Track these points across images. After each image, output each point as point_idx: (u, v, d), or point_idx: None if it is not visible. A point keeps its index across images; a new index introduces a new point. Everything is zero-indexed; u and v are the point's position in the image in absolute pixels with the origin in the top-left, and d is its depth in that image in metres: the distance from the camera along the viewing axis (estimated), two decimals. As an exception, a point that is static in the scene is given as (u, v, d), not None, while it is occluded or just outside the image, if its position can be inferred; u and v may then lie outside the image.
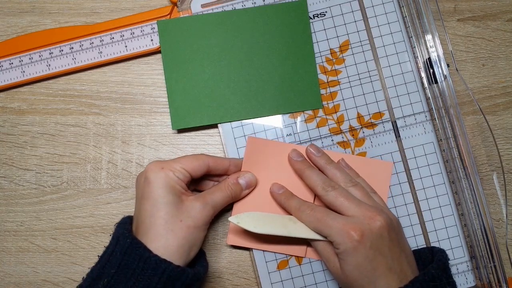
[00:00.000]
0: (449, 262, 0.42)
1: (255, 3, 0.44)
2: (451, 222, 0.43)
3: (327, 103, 0.44)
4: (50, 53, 0.44)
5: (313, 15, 0.44)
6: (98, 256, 0.36)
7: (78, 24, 0.46)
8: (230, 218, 0.39)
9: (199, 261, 0.38)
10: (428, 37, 0.42)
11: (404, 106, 0.44)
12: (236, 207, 0.42)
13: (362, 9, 0.44)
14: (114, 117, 0.45)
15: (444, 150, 0.43)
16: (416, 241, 0.43)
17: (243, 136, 0.43)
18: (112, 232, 0.37)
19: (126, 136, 0.45)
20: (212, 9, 0.44)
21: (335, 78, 0.44)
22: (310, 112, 0.44)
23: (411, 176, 0.43)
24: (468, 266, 0.43)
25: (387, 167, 0.43)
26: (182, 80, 0.43)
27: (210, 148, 0.45)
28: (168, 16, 0.44)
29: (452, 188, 0.43)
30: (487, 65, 0.46)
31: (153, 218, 0.35)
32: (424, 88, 0.44)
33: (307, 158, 0.42)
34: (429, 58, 0.42)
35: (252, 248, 0.42)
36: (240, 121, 0.43)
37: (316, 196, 0.41)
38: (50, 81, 0.45)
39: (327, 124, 0.44)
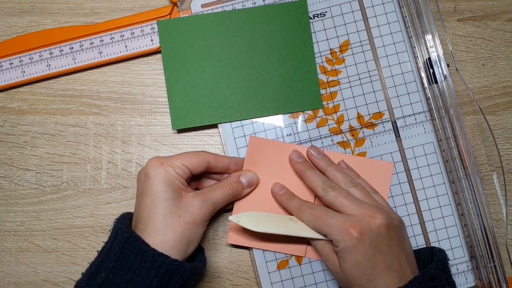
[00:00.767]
0: (449, 262, 0.42)
1: (255, 3, 0.44)
2: (451, 222, 0.43)
3: (327, 103, 0.44)
4: (50, 53, 0.44)
5: (313, 15, 0.44)
6: (97, 251, 0.36)
7: (78, 24, 0.46)
8: (230, 217, 0.39)
9: (197, 256, 0.39)
10: (428, 37, 0.42)
11: (404, 106, 0.44)
12: (237, 206, 0.42)
13: (362, 9, 0.44)
14: (114, 117, 0.45)
15: (444, 150, 0.43)
16: (416, 241, 0.43)
17: (243, 136, 0.43)
18: (111, 228, 0.37)
19: (126, 136, 0.45)
20: (212, 9, 0.44)
21: (335, 78, 0.44)
22: (310, 112, 0.44)
23: (411, 176, 0.43)
24: (468, 266, 0.43)
25: (387, 168, 0.43)
26: (182, 80, 0.43)
27: (210, 148, 0.45)
28: (168, 16, 0.44)
29: (452, 188, 0.43)
30: (487, 65, 0.46)
31: (152, 213, 0.36)
32: (424, 88, 0.44)
33: (307, 160, 0.42)
34: (429, 58, 0.42)
35: (252, 248, 0.42)
36: (240, 121, 0.43)
37: (316, 196, 0.42)
38: (50, 81, 0.45)
39: (327, 124, 0.44)
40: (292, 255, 0.42)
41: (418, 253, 0.40)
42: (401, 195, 0.43)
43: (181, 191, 0.37)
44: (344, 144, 0.43)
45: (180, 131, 0.45)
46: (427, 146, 0.43)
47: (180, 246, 0.35)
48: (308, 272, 0.42)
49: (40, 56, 0.44)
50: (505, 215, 0.44)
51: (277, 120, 0.44)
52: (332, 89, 0.44)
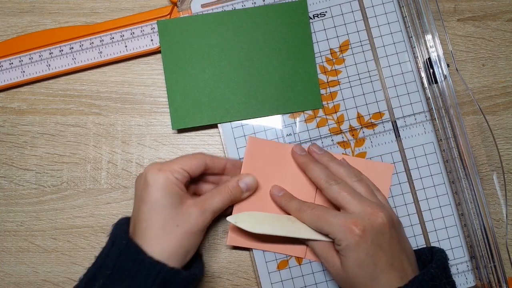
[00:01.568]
0: (449, 262, 0.42)
1: (255, 3, 0.44)
2: (451, 222, 0.43)
3: (327, 103, 0.44)
4: (50, 53, 0.44)
5: (313, 15, 0.44)
6: (95, 257, 0.36)
7: (78, 24, 0.46)
8: (228, 218, 0.39)
9: (195, 262, 0.38)
10: (428, 37, 0.42)
11: (404, 106, 0.44)
12: (237, 207, 0.42)
13: (362, 9, 0.44)
14: (114, 117, 0.45)
15: (444, 150, 0.43)
16: (416, 241, 0.43)
17: (243, 136, 0.43)
18: (109, 233, 0.37)
19: (126, 136, 0.45)
20: (212, 9, 0.44)
21: (335, 78, 0.44)
22: (310, 112, 0.44)
23: (411, 176, 0.43)
24: (468, 266, 0.43)
25: (387, 170, 0.43)
26: (182, 80, 0.43)
27: (210, 148, 0.45)
28: (168, 16, 0.44)
29: (452, 188, 0.43)
30: (487, 65, 0.46)
31: (150, 221, 0.35)
32: (424, 88, 0.44)
33: None
34: (429, 58, 0.42)
35: (252, 248, 0.42)
36: (240, 121, 0.43)
37: (317, 193, 0.42)
38: (50, 81, 0.45)
39: (327, 124, 0.44)
40: (292, 255, 0.42)
41: (418, 253, 0.40)
42: (401, 195, 0.43)
43: (180, 197, 0.36)
44: (344, 144, 0.43)
45: (180, 131, 0.45)
46: (427, 146, 0.43)
47: (178, 255, 0.35)
48: (308, 272, 0.42)
49: (40, 56, 0.44)
50: (505, 215, 0.44)
51: (277, 120, 0.44)
52: (332, 89, 0.44)
